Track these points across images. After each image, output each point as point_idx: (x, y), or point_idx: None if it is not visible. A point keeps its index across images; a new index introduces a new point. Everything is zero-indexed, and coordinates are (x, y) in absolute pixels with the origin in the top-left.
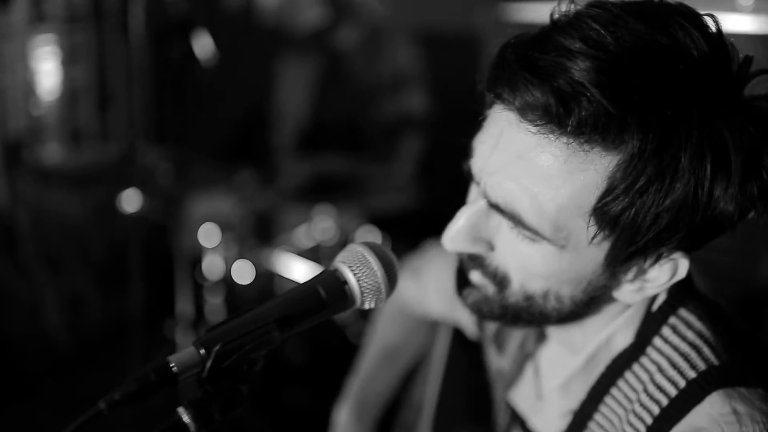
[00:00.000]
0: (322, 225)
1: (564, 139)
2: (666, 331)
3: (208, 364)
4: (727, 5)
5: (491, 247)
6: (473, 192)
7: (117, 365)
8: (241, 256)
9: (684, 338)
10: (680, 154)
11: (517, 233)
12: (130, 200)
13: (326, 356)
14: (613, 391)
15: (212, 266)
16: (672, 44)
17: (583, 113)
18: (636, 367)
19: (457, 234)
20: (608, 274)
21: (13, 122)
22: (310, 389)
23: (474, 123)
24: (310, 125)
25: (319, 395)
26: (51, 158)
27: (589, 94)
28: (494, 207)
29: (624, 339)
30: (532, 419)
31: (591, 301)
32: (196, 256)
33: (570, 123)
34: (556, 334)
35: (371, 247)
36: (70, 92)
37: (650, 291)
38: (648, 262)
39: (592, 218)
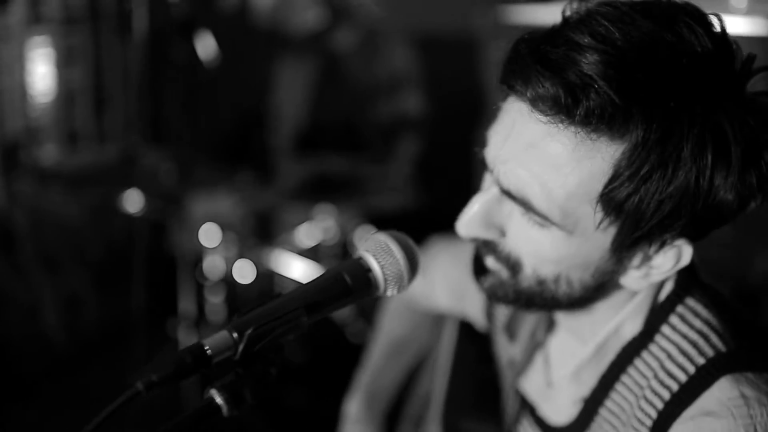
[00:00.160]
0: (322, 224)
1: (573, 129)
2: (674, 319)
3: (241, 347)
4: (721, 7)
5: (503, 233)
6: (487, 180)
7: (115, 366)
8: (241, 256)
9: (692, 326)
10: (682, 144)
11: (528, 219)
12: (130, 200)
13: (325, 356)
14: (624, 378)
15: (213, 266)
16: (677, 41)
17: (590, 104)
18: (645, 354)
19: (470, 220)
20: (615, 259)
21: (11, 124)
22: (309, 388)
23: (473, 123)
24: (307, 126)
25: (319, 394)
26: (48, 159)
27: (596, 86)
28: (506, 193)
29: (633, 328)
30: (543, 407)
31: (599, 286)
32: (197, 256)
33: (578, 113)
34: (566, 323)
35: (394, 236)
36: (66, 94)
37: (656, 277)
38: (653, 249)
39: (598, 204)
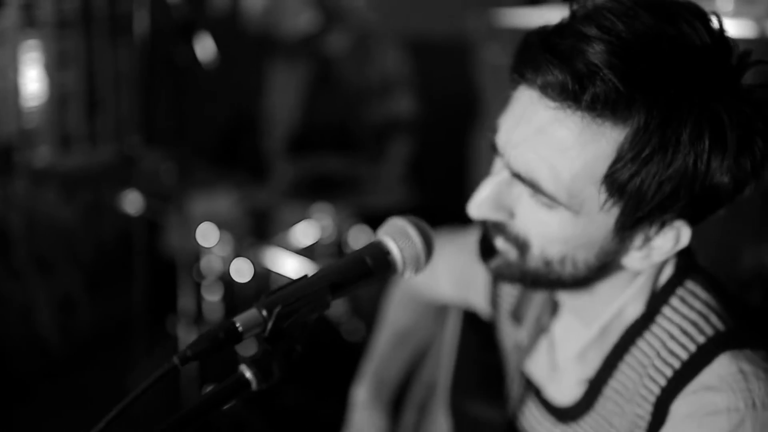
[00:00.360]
0: (318, 223)
1: (579, 114)
2: (675, 301)
3: (270, 324)
4: (707, 9)
5: (512, 214)
6: (497, 164)
7: (110, 366)
8: (238, 255)
9: (692, 307)
10: (681, 129)
11: (536, 201)
12: (127, 200)
13: (320, 353)
14: (627, 358)
15: (210, 264)
16: (678, 35)
17: (596, 90)
18: (648, 335)
19: (482, 202)
20: (618, 239)
21: (5, 126)
22: (305, 386)
23: (467, 124)
24: (300, 129)
25: (314, 392)
26: (42, 161)
27: (602, 74)
28: (516, 176)
29: (635, 310)
30: (548, 388)
31: (603, 266)
32: (195, 255)
33: (585, 99)
34: (569, 304)
35: (411, 221)
36: (60, 97)
37: (656, 258)
38: (653, 230)
39: (603, 186)
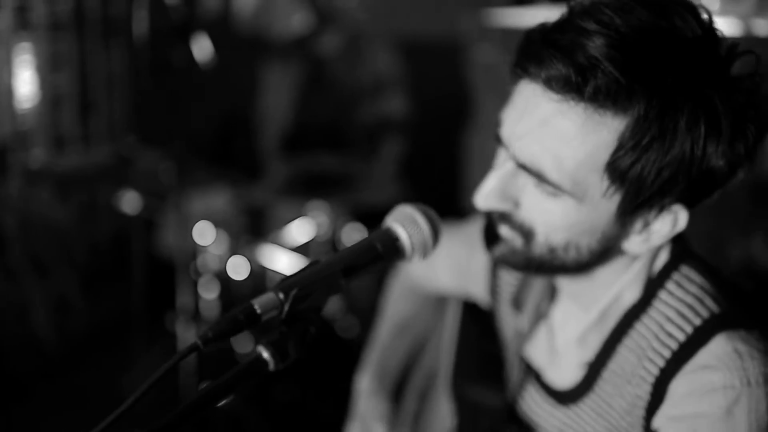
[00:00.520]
0: (313, 221)
1: (582, 105)
2: (671, 285)
3: (287, 306)
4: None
5: (517, 204)
6: (501, 156)
7: (106, 365)
8: (235, 252)
9: (687, 291)
10: (678, 117)
11: (541, 190)
12: (123, 200)
13: (315, 350)
14: (626, 341)
15: (207, 262)
16: (671, 28)
17: (598, 82)
18: (645, 318)
19: (488, 193)
20: (619, 224)
21: None
22: (300, 383)
23: (458, 124)
24: (294, 128)
25: (309, 388)
26: (36, 163)
27: (603, 66)
28: (521, 167)
29: (632, 295)
30: (548, 372)
31: (604, 251)
32: (191, 253)
33: (587, 91)
34: (568, 289)
35: (419, 208)
36: (53, 99)
37: (655, 241)
38: (653, 214)
39: (605, 173)
